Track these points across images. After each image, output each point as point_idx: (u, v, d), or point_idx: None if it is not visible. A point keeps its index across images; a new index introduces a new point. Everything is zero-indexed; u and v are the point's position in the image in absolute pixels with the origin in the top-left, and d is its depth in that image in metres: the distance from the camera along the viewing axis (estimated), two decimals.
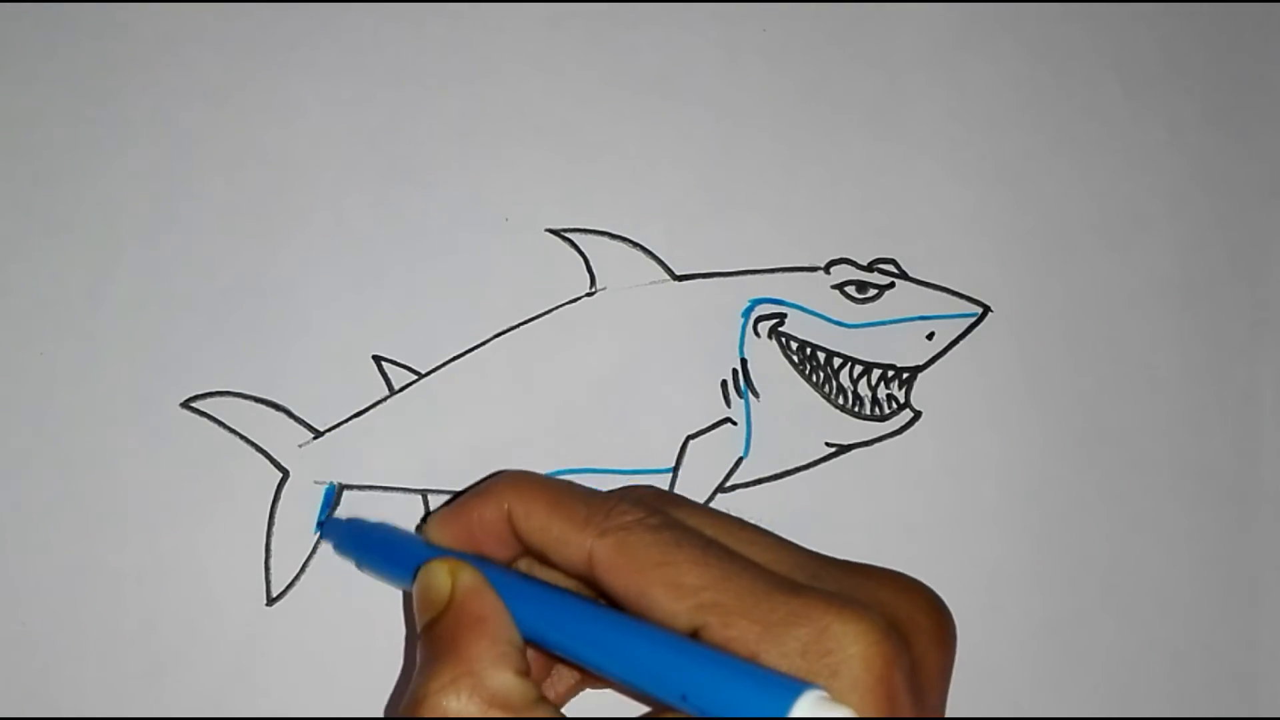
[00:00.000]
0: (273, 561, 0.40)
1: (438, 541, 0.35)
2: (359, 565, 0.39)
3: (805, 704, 0.26)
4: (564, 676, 0.36)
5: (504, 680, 0.30)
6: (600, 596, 0.32)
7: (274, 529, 0.40)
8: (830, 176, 0.44)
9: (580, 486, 0.34)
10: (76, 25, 0.42)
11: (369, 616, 0.40)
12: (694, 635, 0.29)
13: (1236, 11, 0.46)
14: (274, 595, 0.40)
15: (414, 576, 0.34)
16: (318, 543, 0.40)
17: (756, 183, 0.43)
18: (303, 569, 0.40)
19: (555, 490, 0.33)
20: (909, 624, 0.30)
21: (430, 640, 0.32)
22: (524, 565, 0.35)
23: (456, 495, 0.38)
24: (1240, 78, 0.46)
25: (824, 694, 0.26)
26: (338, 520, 0.40)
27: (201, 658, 0.40)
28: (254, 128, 0.42)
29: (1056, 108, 0.45)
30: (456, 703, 0.30)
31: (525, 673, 0.31)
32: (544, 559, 0.33)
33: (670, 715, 0.29)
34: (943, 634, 0.31)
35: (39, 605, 0.40)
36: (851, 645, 0.28)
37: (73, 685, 0.39)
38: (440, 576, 0.33)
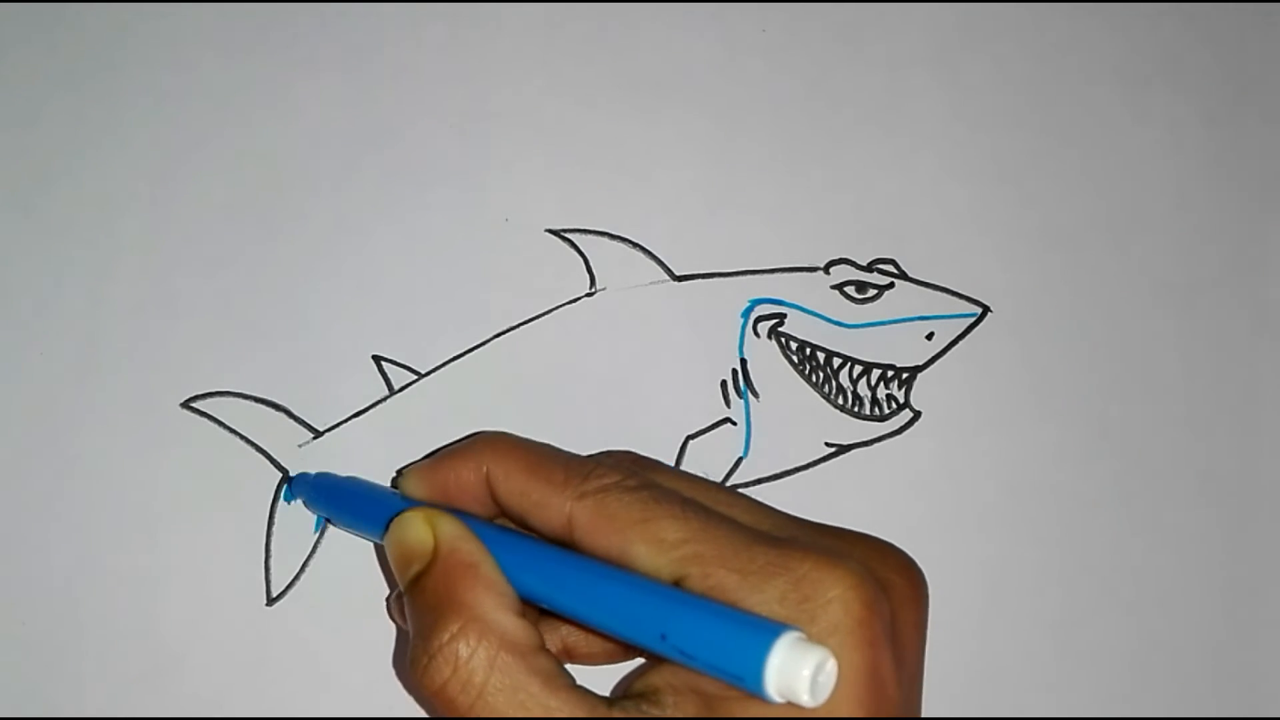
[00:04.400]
0: (273, 561, 0.40)
1: (413, 495, 0.35)
2: (330, 520, 0.39)
3: (783, 645, 0.26)
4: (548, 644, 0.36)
5: (510, 623, 0.30)
6: None
7: (274, 529, 0.40)
8: (830, 176, 0.44)
9: (558, 449, 0.34)
10: (76, 25, 0.42)
11: (369, 616, 0.40)
12: (676, 586, 0.29)
13: (1236, 11, 0.46)
14: (274, 595, 0.40)
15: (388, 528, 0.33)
16: (317, 542, 0.40)
17: (756, 183, 0.43)
18: (303, 569, 0.40)
19: (534, 453, 0.33)
20: (884, 581, 0.30)
21: (422, 593, 0.31)
22: None
23: (433, 453, 0.38)
24: (1240, 78, 0.46)
25: (801, 635, 0.27)
26: (305, 475, 0.40)
27: (201, 658, 0.40)
28: (254, 128, 0.42)
29: (1056, 108, 0.45)
30: (467, 649, 0.29)
31: (524, 615, 0.31)
32: (522, 522, 0.33)
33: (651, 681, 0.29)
34: (916, 592, 0.31)
35: (39, 605, 0.40)
36: (830, 590, 0.28)
37: (73, 685, 0.39)
38: (419, 528, 0.32)
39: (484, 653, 0.29)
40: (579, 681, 0.30)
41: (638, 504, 0.30)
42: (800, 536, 0.31)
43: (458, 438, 0.41)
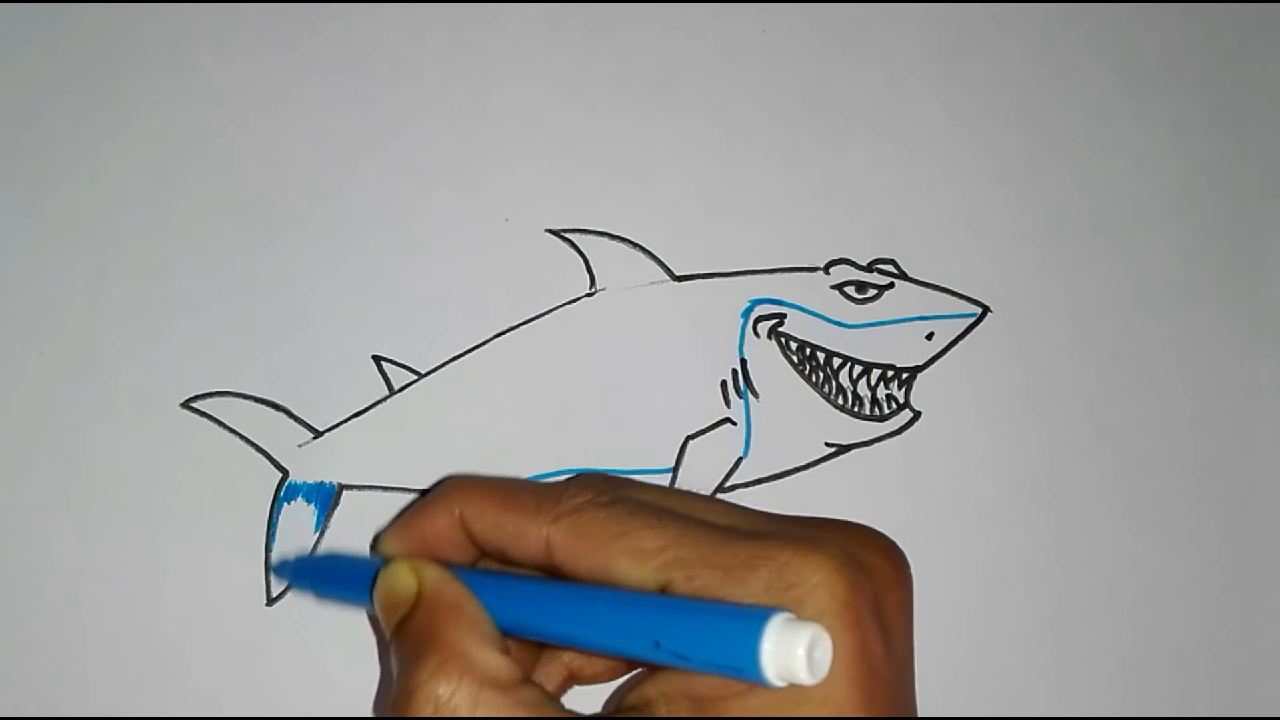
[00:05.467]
0: (273, 561, 0.40)
1: (393, 554, 0.35)
2: (319, 597, 0.39)
3: (775, 627, 0.26)
4: (550, 676, 0.36)
5: (492, 659, 0.30)
6: None
7: (274, 529, 0.40)
8: (830, 176, 0.44)
9: (528, 480, 0.34)
10: (76, 25, 0.42)
11: (368, 617, 0.40)
12: (661, 594, 0.29)
13: (1238, 11, 0.46)
14: (274, 595, 0.40)
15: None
16: (317, 542, 0.40)
17: (756, 183, 0.43)
18: None
19: (504, 487, 0.33)
20: (866, 564, 0.30)
21: (406, 635, 0.31)
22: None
23: (406, 509, 0.38)
24: (1241, 78, 0.46)
25: (791, 615, 0.27)
26: (286, 560, 0.40)
27: (201, 658, 0.40)
28: (254, 128, 0.42)
29: (1057, 108, 0.45)
30: (448, 687, 0.29)
31: (508, 652, 0.31)
32: (502, 558, 0.33)
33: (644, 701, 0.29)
34: (899, 574, 0.31)
35: (39, 605, 0.40)
36: (813, 575, 0.28)
37: (73, 685, 0.39)
38: (403, 575, 0.32)
39: (466, 690, 0.29)
40: (586, 700, 0.30)
41: (613, 519, 0.30)
42: (777, 529, 0.31)
43: (458, 438, 0.41)
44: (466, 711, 0.29)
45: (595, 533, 0.30)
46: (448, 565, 0.33)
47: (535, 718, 0.29)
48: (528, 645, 0.34)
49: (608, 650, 0.30)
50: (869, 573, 0.29)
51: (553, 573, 0.32)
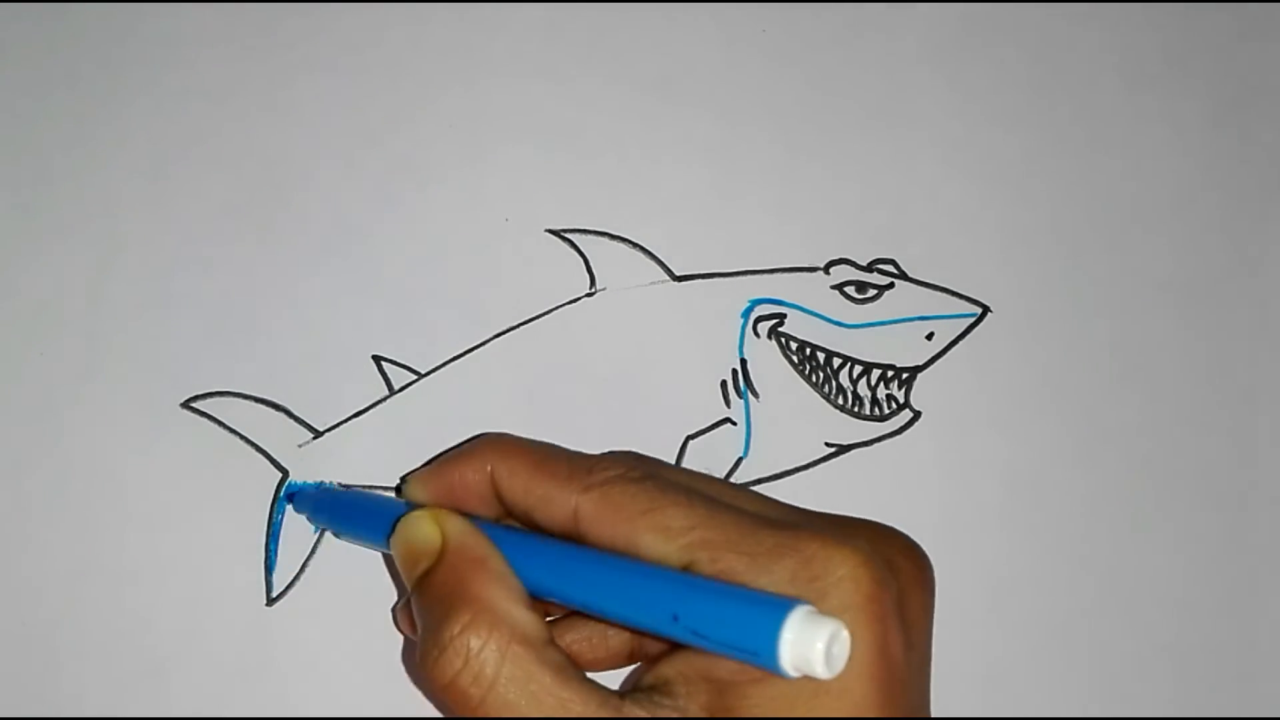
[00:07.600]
0: (273, 561, 0.40)
1: (418, 500, 0.35)
2: (334, 533, 0.39)
3: (796, 618, 0.26)
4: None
5: (521, 615, 0.30)
6: None
7: (274, 529, 0.40)
8: (830, 176, 0.44)
9: (562, 447, 0.34)
10: (76, 25, 0.42)
11: (369, 616, 0.40)
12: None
13: (1238, 11, 0.46)
14: (274, 595, 0.40)
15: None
16: (317, 542, 0.40)
17: (756, 182, 0.43)
18: (302, 569, 0.40)
19: (538, 450, 0.33)
20: (890, 563, 0.30)
21: (430, 589, 0.31)
22: None
23: (436, 457, 0.38)
24: (1242, 78, 0.46)
25: (813, 609, 0.27)
26: (306, 491, 0.40)
27: (201, 658, 0.40)
28: (254, 128, 0.42)
29: (1057, 107, 0.45)
30: (479, 641, 0.29)
31: (533, 608, 0.31)
32: (527, 520, 0.33)
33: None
34: (923, 576, 0.32)
35: (39, 605, 0.40)
36: (839, 568, 0.28)
37: (73, 685, 0.39)
38: (426, 525, 0.32)
39: (495, 644, 0.29)
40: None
41: (643, 494, 0.31)
42: (804, 522, 0.31)
43: (458, 437, 0.41)
44: (495, 665, 0.29)
45: (624, 505, 0.30)
46: (471, 518, 0.33)
47: (559, 679, 0.29)
48: (537, 609, 0.34)
49: (625, 619, 0.30)
50: (894, 572, 0.29)
51: (577, 541, 0.32)
